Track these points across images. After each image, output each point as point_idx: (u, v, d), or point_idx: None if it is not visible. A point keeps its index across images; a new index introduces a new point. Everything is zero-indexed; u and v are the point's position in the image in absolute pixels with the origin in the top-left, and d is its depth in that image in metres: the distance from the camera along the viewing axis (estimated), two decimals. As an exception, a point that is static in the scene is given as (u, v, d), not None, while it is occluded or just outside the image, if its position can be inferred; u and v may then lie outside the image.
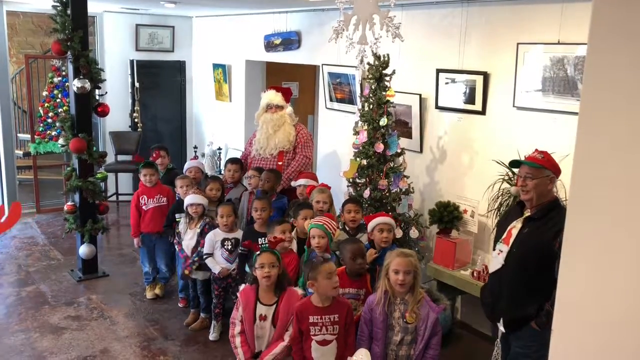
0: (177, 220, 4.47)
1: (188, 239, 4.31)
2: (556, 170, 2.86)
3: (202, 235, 4.24)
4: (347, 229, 3.86)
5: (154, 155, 5.24)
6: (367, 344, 2.91)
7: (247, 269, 3.78)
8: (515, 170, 3.18)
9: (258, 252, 3.03)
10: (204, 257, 4.16)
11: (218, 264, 4.12)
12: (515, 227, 2.87)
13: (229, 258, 4.14)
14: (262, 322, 2.99)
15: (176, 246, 4.45)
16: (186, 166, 5.09)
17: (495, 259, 2.94)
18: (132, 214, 4.79)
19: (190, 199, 4.27)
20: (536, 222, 2.80)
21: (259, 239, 3.90)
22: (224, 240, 4.14)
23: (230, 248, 4.13)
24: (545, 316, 2.64)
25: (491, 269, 3.01)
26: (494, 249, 3.03)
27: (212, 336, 4.23)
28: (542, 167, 2.78)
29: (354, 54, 3.33)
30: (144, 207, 4.75)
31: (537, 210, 2.81)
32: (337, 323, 2.92)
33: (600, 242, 1.15)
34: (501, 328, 2.80)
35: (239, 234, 4.19)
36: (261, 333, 3.01)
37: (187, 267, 4.30)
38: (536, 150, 2.94)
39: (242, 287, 3.14)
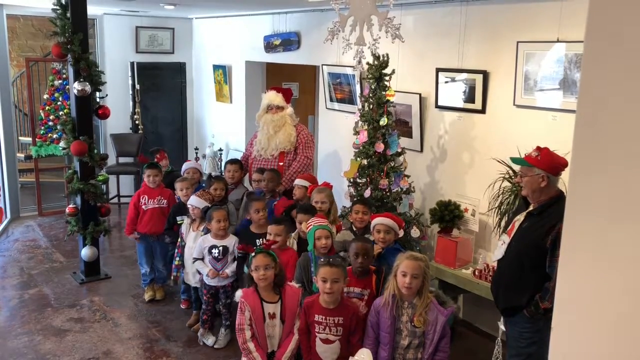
0: (178, 222, 4.47)
1: (191, 241, 4.26)
2: (551, 168, 2.87)
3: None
4: (355, 229, 3.85)
5: (159, 156, 5.26)
6: (374, 348, 2.89)
7: (245, 269, 3.78)
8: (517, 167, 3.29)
9: (253, 254, 3.04)
10: (193, 261, 4.08)
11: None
12: (519, 220, 2.98)
13: (216, 266, 4.01)
14: (272, 320, 3.02)
15: (176, 250, 4.42)
16: (184, 167, 5.10)
17: (498, 249, 3.06)
18: (130, 211, 4.79)
19: (192, 200, 4.26)
20: (534, 218, 2.89)
21: (257, 240, 3.89)
22: (211, 247, 4.01)
23: (217, 255, 4.00)
24: (534, 306, 2.78)
25: (493, 258, 3.16)
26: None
27: (209, 342, 4.13)
28: (532, 165, 2.85)
29: (352, 55, 3.33)
30: (143, 207, 4.75)
31: (537, 206, 2.90)
32: (342, 325, 2.93)
33: (599, 239, 1.15)
34: (502, 327, 2.82)
35: (228, 241, 4.04)
36: (272, 332, 3.03)
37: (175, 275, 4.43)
38: (536, 147, 2.96)
39: (239, 292, 3.10)
